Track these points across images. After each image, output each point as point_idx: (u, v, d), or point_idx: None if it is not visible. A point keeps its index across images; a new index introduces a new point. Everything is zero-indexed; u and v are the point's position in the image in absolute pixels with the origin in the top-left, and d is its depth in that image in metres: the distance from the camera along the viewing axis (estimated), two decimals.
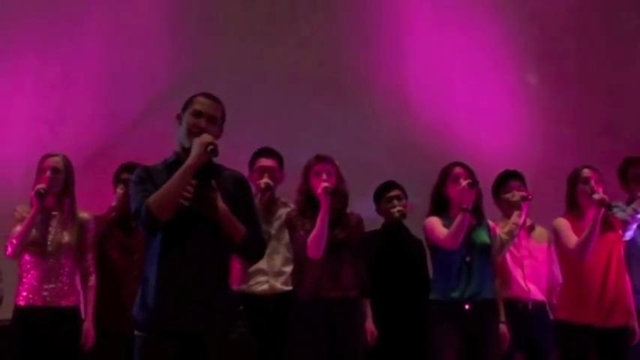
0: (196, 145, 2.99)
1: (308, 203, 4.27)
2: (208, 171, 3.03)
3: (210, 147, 2.98)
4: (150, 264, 3.09)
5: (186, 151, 3.07)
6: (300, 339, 4.18)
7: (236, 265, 4.31)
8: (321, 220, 4.12)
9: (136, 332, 3.10)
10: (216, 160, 3.11)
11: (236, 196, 3.11)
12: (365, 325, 4.29)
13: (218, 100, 3.16)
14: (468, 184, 4.13)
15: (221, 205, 3.01)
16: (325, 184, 4.13)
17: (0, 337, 4.28)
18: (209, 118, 3.08)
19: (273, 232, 4.46)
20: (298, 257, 4.30)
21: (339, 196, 4.24)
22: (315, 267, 4.18)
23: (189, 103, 3.14)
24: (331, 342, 4.16)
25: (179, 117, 3.17)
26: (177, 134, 3.16)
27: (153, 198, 2.97)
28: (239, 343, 3.62)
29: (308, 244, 4.16)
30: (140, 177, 3.12)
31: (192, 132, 3.05)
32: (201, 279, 3.03)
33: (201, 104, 3.10)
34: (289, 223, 4.34)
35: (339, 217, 4.28)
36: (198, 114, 3.07)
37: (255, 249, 3.19)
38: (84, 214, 4.35)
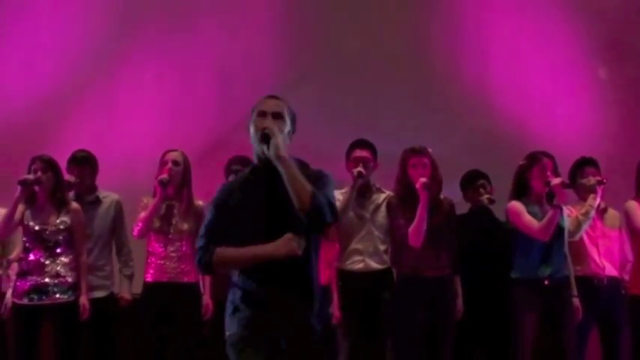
0: (285, 242, 2.98)
1: (407, 192, 4.50)
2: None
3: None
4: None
5: (261, 160, 3.10)
6: (402, 313, 4.43)
7: (336, 245, 4.65)
8: (421, 214, 4.34)
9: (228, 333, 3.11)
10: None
11: (316, 186, 3.03)
12: (457, 301, 4.54)
13: (281, 99, 3.19)
14: (562, 184, 4.29)
15: (284, 153, 2.99)
16: (423, 180, 4.34)
17: (133, 308, 4.73)
18: (274, 115, 3.09)
19: (367, 215, 4.67)
20: (397, 240, 4.54)
21: (435, 183, 4.47)
22: (415, 248, 4.42)
23: (254, 108, 3.16)
24: (429, 316, 4.44)
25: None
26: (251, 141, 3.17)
27: (221, 257, 3.04)
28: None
29: (409, 235, 4.38)
30: (221, 197, 3.16)
31: (259, 130, 3.05)
32: (290, 269, 3.03)
33: (264, 105, 3.13)
34: (389, 209, 4.60)
35: (435, 203, 4.50)
36: (263, 114, 3.10)
37: (326, 210, 2.97)
38: (200, 203, 4.68)
